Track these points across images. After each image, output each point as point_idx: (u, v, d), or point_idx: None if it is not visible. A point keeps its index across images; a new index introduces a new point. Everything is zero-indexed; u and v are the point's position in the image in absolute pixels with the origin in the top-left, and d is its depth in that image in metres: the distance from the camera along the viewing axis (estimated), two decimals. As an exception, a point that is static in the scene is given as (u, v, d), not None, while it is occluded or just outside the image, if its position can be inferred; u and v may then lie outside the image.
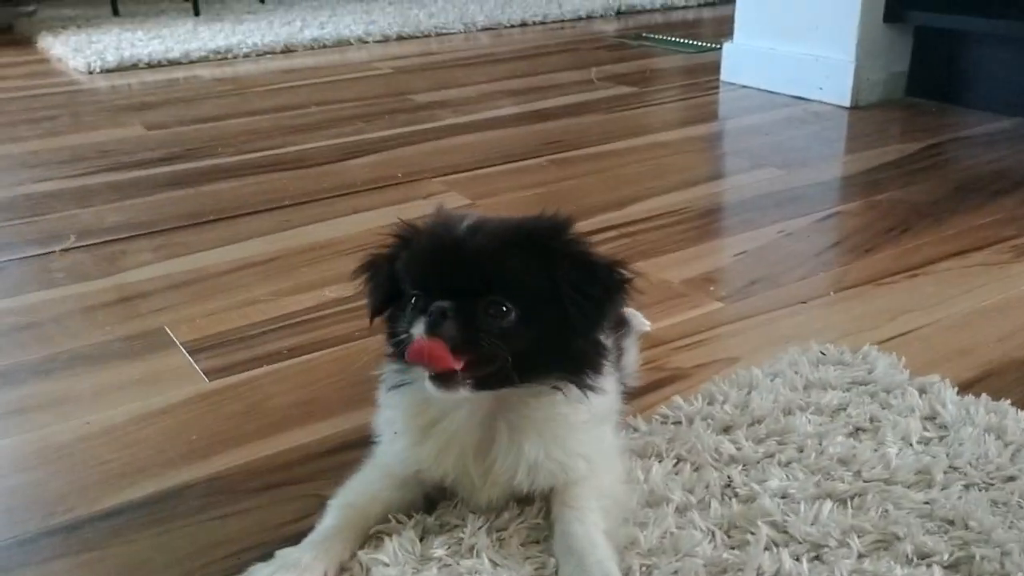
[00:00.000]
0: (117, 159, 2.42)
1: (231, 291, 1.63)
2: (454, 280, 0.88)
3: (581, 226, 1.80)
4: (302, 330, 1.48)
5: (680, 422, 1.14)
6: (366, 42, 4.11)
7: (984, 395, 1.17)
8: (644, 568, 0.89)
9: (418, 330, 0.86)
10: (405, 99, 3.02)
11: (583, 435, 0.95)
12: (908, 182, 2.12)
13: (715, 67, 3.20)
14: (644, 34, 4.12)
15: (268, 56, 3.85)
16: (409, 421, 0.94)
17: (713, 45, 3.62)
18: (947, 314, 1.47)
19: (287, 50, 3.95)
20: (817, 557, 0.91)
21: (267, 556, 0.93)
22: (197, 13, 4.78)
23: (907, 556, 0.90)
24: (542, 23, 4.54)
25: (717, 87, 3.10)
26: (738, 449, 1.07)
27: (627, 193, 2.07)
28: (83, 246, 1.84)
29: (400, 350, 0.90)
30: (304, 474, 1.11)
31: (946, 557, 0.90)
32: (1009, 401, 1.16)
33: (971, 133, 2.53)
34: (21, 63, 3.91)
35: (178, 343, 1.44)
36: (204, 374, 1.35)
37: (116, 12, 4.85)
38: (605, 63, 3.52)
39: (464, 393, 0.88)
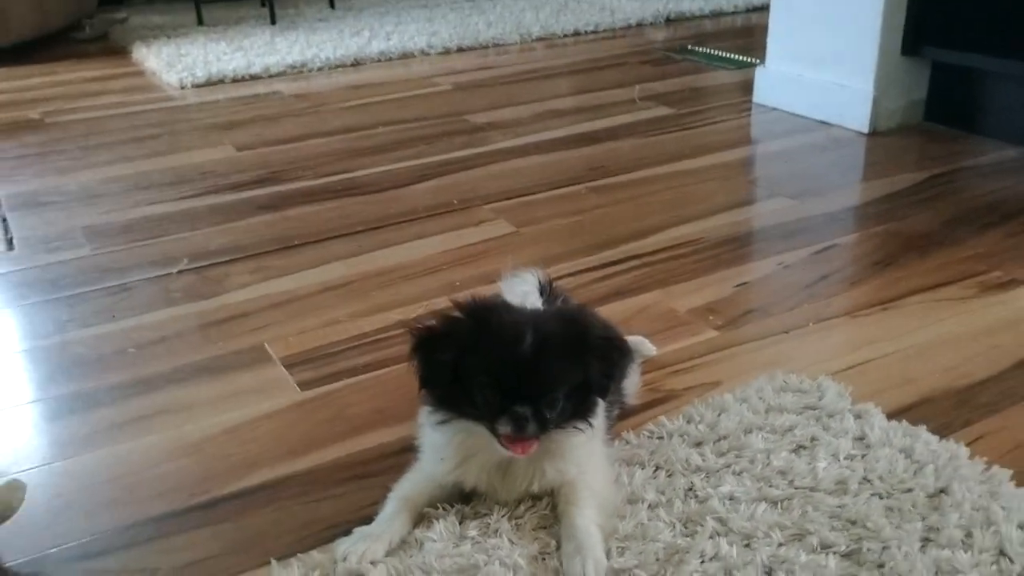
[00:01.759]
0: (214, 182, 2.81)
1: (316, 312, 2.00)
2: (525, 386, 1.19)
3: (608, 255, 2.15)
4: (373, 348, 1.84)
5: (662, 437, 1.47)
6: (428, 54, 4.45)
7: (904, 421, 1.47)
8: (619, 549, 1.24)
9: (505, 429, 1.19)
10: (462, 120, 3.36)
11: (579, 450, 1.30)
12: (907, 213, 2.39)
13: (751, 86, 3.46)
14: (689, 46, 4.38)
15: (339, 70, 4.23)
16: (455, 451, 1.29)
17: (753, 61, 3.86)
18: (905, 345, 1.76)
19: (356, 63, 4.32)
20: (747, 545, 1.24)
21: (349, 532, 1.30)
22: (273, 22, 5.18)
23: (813, 547, 1.22)
24: (594, 32, 4.83)
25: (750, 109, 3.37)
26: (703, 460, 1.40)
27: (652, 222, 2.38)
28: (194, 268, 2.23)
29: (457, 411, 1.25)
30: (378, 469, 1.47)
31: (843, 548, 1.22)
32: (926, 427, 1.46)
33: (979, 162, 2.76)
34: (120, 75, 4.35)
35: (275, 358, 1.81)
36: (298, 385, 1.72)
37: (201, 21, 5.28)
38: (649, 80, 3.81)
39: (531, 453, 1.23)
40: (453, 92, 3.80)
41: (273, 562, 1.26)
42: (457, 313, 1.27)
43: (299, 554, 1.27)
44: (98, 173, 2.94)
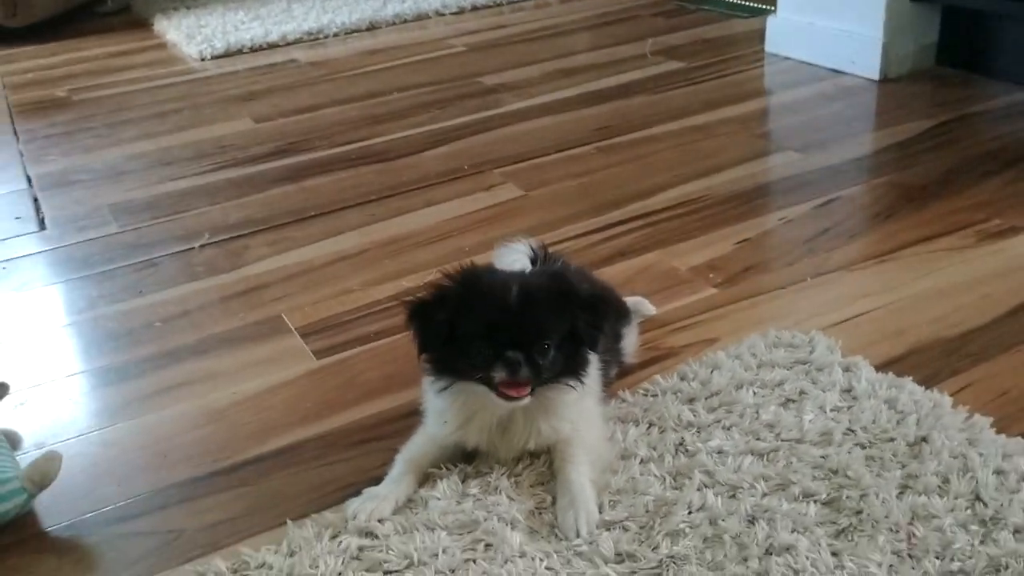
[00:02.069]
0: (233, 155, 2.89)
1: (330, 281, 2.08)
2: (515, 335, 1.26)
3: (613, 216, 2.21)
4: (384, 316, 1.92)
5: (656, 395, 1.54)
6: (443, 15, 4.47)
7: (891, 372, 1.53)
8: (611, 503, 1.32)
9: (500, 374, 1.26)
10: (475, 82, 3.40)
11: (573, 407, 1.37)
12: (910, 164, 2.41)
13: (763, 36, 3.44)
14: (703, -5, 4.35)
15: (355, 35, 4.26)
16: (456, 414, 1.37)
17: (766, 8, 3.83)
18: (897, 298, 1.81)
19: (372, 27, 4.35)
20: (732, 496, 1.31)
21: (359, 492, 1.39)
22: (291, -13, 5.20)
23: (795, 495, 1.29)
24: (609, -17, 4.78)
25: (762, 59, 3.37)
26: (695, 416, 1.47)
27: (658, 181, 2.43)
28: (215, 242, 2.32)
29: (455, 374, 1.33)
30: (388, 432, 1.56)
31: (823, 496, 1.29)
32: (912, 378, 1.51)
33: (988, 107, 2.76)
34: (143, 49, 4.42)
35: (292, 328, 1.90)
36: (313, 354, 1.81)
37: (219, -11, 5.31)
38: (661, 32, 3.81)
39: (525, 403, 1.30)
40: (467, 54, 3.83)
41: (289, 522, 1.35)
42: (446, 280, 1.35)
43: (313, 514, 1.37)
44: (123, 150, 3.03)
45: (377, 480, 1.40)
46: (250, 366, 1.79)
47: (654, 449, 1.41)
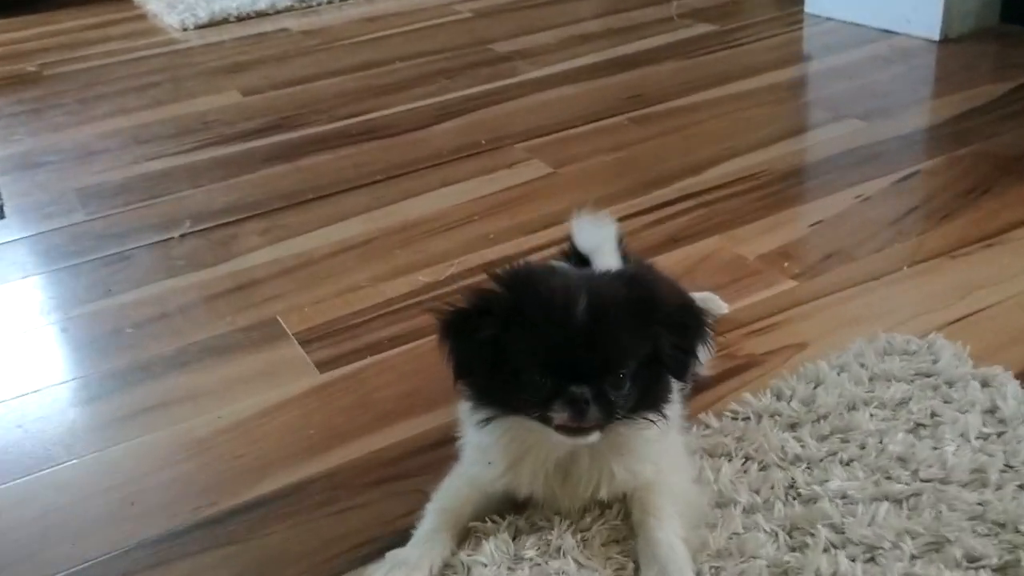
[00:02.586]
0: (219, 131, 2.56)
1: (334, 276, 1.76)
2: (582, 363, 0.97)
3: (660, 195, 1.90)
4: (400, 318, 1.61)
5: (749, 418, 1.23)
6: (446, -21, 4.12)
7: (1041, 388, 1.22)
8: (713, 570, 1.01)
9: (561, 415, 0.98)
10: (486, 49, 3.07)
11: (653, 445, 1.07)
12: (994, 131, 2.10)
13: (800, -5, 3.13)
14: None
15: (350, 2, 3.92)
16: (504, 452, 1.06)
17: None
18: (1020, 290, 1.50)
19: (369, -8, 4.00)
20: (871, 559, 1.01)
21: (382, 550, 1.08)
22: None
23: (956, 560, 0.99)
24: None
25: (801, 21, 3.05)
26: (802, 447, 1.16)
27: (705, 155, 2.11)
28: (198, 231, 2.00)
29: (503, 406, 1.04)
30: (412, 468, 1.26)
31: (995, 561, 0.98)
32: (1069, 393, 1.21)
33: (1068, 66, 2.45)
34: (121, 20, 4.07)
35: (290, 334, 1.59)
36: (316, 366, 1.50)
37: (202, -44, 4.95)
38: (686, -7, 3.47)
39: (592, 440, 1.01)
40: (474, 19, 3.49)
41: (288, 600, 1.05)
42: (492, 285, 1.04)
43: (322, 586, 1.07)
44: (95, 128, 2.70)
45: (402, 535, 1.10)
46: (240, 383, 1.48)
47: (757, 493, 1.11)
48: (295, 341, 1.57)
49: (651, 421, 1.04)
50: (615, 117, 2.39)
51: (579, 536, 1.07)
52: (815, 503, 1.08)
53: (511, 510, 1.11)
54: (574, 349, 0.97)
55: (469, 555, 1.05)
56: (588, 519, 1.08)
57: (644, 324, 1.00)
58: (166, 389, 1.49)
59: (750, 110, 2.37)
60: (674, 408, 1.10)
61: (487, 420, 1.05)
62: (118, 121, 2.74)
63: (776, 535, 1.05)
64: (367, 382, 1.45)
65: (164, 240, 1.97)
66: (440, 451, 1.26)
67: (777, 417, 1.22)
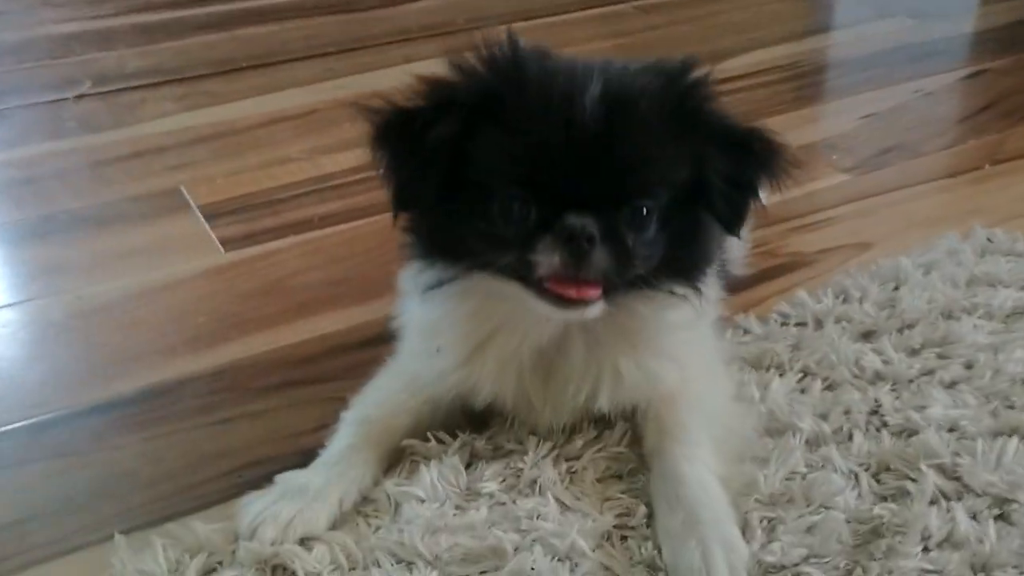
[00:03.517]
0: None
1: (260, 148, 1.40)
2: (588, 187, 0.63)
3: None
4: (339, 195, 1.25)
5: (805, 323, 0.89)
6: None
7: None
8: (766, 523, 0.66)
9: (549, 259, 0.62)
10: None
11: (682, 338, 0.72)
12: (1072, 34, 1.76)
13: None
14: None
15: None
16: (460, 336, 0.71)
17: None
18: None
19: None
20: (1002, 516, 0.67)
21: (277, 473, 0.73)
22: None
23: None
24: None
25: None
26: (885, 363, 0.82)
27: (726, 44, 1.75)
28: (100, 93, 1.61)
29: (461, 257, 0.67)
30: (328, 371, 0.91)
31: None
32: None
33: None
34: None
35: (194, 206, 1.22)
36: (220, 243, 1.14)
37: None
38: None
39: (593, 313, 0.65)
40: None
41: (118, 537, 0.69)
42: (461, 70, 0.68)
43: (169, 522, 0.70)
44: (3, -10, 2.28)
45: (305, 456, 0.76)
46: (114, 258, 1.12)
47: (824, 419, 0.76)
48: (199, 214, 1.21)
49: (681, 296, 0.68)
50: (618, 4, 2.02)
51: (564, 466, 0.72)
52: (912, 435, 0.74)
53: (465, 425, 0.76)
54: (575, 158, 0.62)
55: (399, 485, 0.70)
56: (579, 443, 0.73)
57: (684, 134, 0.65)
58: (15, 260, 1.12)
59: (775, 3, 2.01)
60: (712, 286, 0.75)
61: (438, 284, 0.69)
62: (31, -15, 2.32)
63: (856, 477, 0.70)
64: (283, 265, 1.10)
65: (55, 100, 1.59)
66: (368, 351, 0.92)
67: (845, 323, 0.88)
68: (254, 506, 0.68)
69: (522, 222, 0.64)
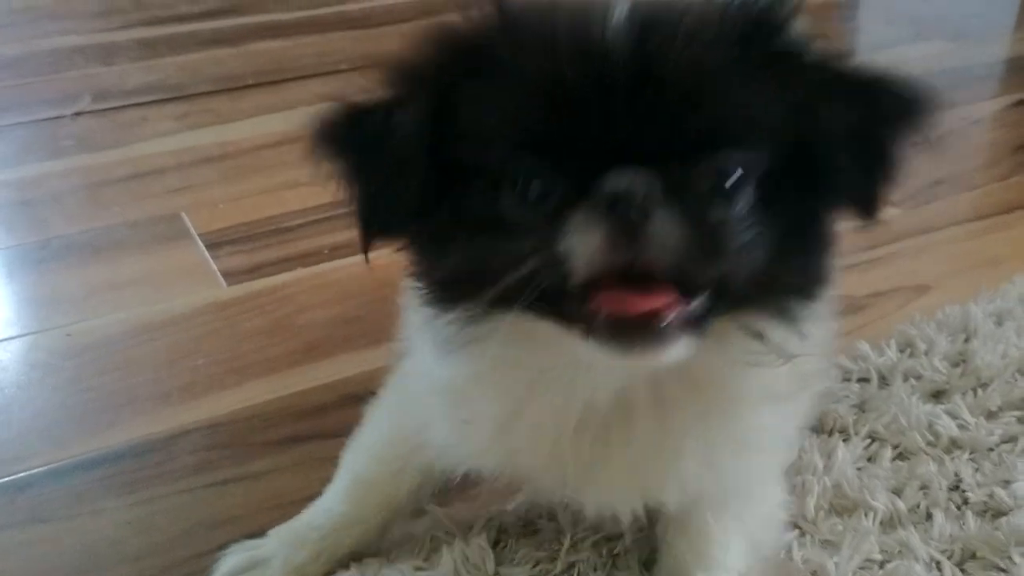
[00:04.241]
0: (154, 13, 2.08)
1: (267, 170, 1.31)
2: (638, 130, 0.43)
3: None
4: (352, 223, 1.16)
5: (869, 379, 0.80)
6: None
7: None
8: (841, 623, 0.57)
9: (588, 245, 0.42)
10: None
11: (768, 412, 0.54)
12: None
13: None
14: None
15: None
16: (492, 402, 0.54)
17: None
18: None
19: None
20: (1118, 622, 0.58)
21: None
22: None
23: None
24: None
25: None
26: (961, 427, 0.73)
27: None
28: (98, 110, 1.54)
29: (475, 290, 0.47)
30: (341, 424, 0.80)
31: None
32: None
33: None
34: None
35: (195, 234, 1.14)
36: (222, 276, 1.05)
37: None
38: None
39: (677, 352, 0.45)
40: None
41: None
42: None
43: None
44: (4, 2, 2.22)
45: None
46: (108, 290, 1.04)
47: (899, 495, 0.67)
48: (200, 243, 1.12)
49: (782, 339, 0.48)
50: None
51: (605, 547, 0.63)
52: (1000, 516, 0.65)
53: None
54: (610, 97, 0.43)
55: (419, 570, 0.61)
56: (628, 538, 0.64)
57: (783, 71, 0.46)
58: (5, 293, 1.04)
59: (816, 23, 1.93)
60: (825, 330, 0.56)
61: (458, 339, 0.50)
62: (36, -3, 2.26)
63: (939, 567, 0.62)
64: (290, 301, 1.01)
65: (54, 117, 1.51)
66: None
67: (914, 380, 0.79)
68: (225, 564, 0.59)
69: (543, 203, 0.44)
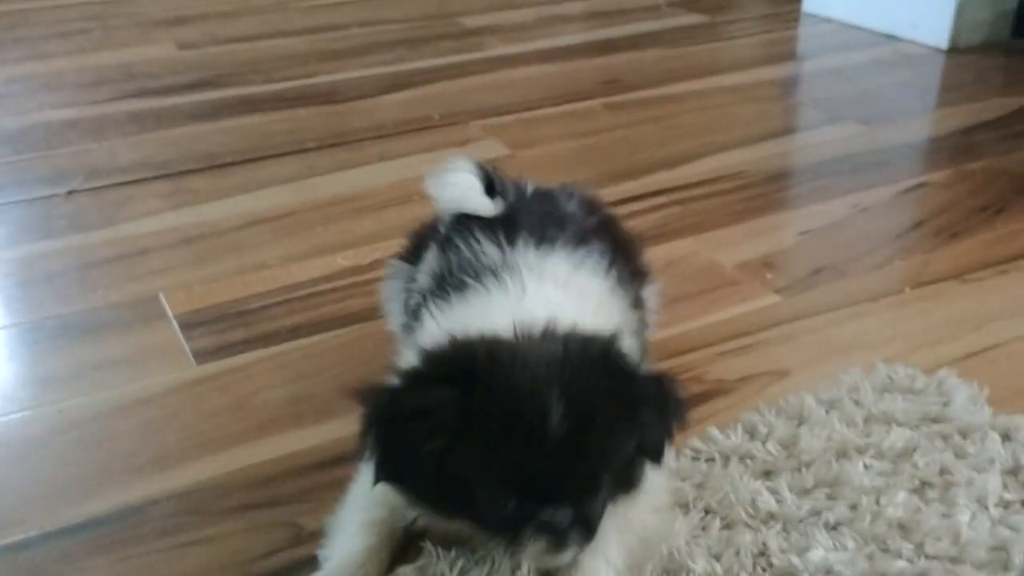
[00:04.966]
0: (142, 84, 2.28)
1: (237, 251, 1.49)
2: (557, 486, 0.75)
3: (629, 188, 1.66)
4: (307, 305, 1.34)
5: (713, 459, 0.98)
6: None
7: (1079, 448, 0.98)
8: (650, 661, 0.75)
9: (532, 547, 0.76)
10: (454, 22, 2.80)
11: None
12: (1009, 148, 1.86)
13: (798, -8, 2.89)
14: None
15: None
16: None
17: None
18: (1042, 324, 1.26)
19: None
20: (863, 664, 0.76)
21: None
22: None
23: (974, 675, 0.74)
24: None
25: (797, 19, 2.81)
26: (779, 503, 0.91)
27: (683, 148, 1.86)
28: (91, 189, 1.72)
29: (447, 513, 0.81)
30: (286, 494, 0.99)
31: None
32: (1113, 457, 0.97)
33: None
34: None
35: (170, 315, 1.32)
36: (192, 356, 1.23)
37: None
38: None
39: (567, 560, 0.79)
40: (447, -9, 3.22)
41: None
42: (436, 371, 0.79)
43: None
44: (4, 72, 2.40)
45: None
46: (94, 370, 1.21)
47: (718, 560, 0.85)
48: (175, 324, 1.30)
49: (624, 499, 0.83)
50: (587, 101, 2.14)
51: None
52: (792, 580, 0.83)
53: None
54: (549, 467, 0.74)
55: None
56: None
57: (627, 418, 0.78)
58: (4, 372, 1.21)
59: (735, 105, 2.12)
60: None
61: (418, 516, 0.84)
62: (32, 66, 2.44)
63: (739, 621, 0.79)
64: (251, 380, 1.18)
65: (48, 196, 1.69)
66: (326, 474, 1.01)
67: (748, 461, 0.97)
68: None
69: (505, 514, 0.75)
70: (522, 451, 0.73)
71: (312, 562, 0.88)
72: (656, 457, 0.82)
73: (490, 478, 0.75)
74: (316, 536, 0.91)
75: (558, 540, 0.74)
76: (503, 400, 0.74)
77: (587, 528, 0.76)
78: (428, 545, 0.86)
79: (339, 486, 0.93)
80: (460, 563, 0.84)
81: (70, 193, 1.69)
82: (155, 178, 1.76)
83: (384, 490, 0.85)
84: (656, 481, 0.88)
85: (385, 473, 0.78)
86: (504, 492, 0.74)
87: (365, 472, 0.85)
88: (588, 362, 0.78)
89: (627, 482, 0.81)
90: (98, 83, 2.29)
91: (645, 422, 0.78)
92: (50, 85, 2.29)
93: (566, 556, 0.77)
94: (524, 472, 0.74)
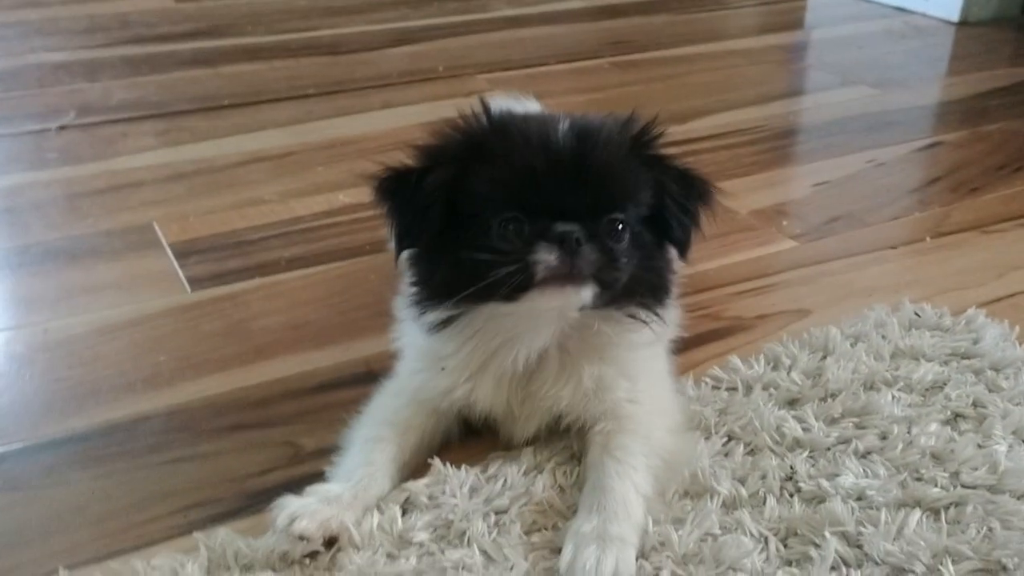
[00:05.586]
0: (137, 32, 2.22)
1: (235, 187, 1.44)
2: (573, 199, 0.74)
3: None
4: (307, 239, 1.29)
5: (736, 388, 0.93)
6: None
7: (1118, 384, 0.94)
8: (676, 563, 0.71)
9: (547, 257, 0.72)
10: (459, -16, 2.74)
11: (639, 356, 0.84)
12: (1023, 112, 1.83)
13: (806, -32, 2.85)
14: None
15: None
16: (467, 357, 0.81)
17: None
18: (1067, 274, 1.22)
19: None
20: (898, 585, 0.71)
21: (220, 516, 0.78)
22: None
23: (1018, 597, 0.69)
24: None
25: (808, -9, 2.77)
26: (805, 430, 0.87)
27: (694, 104, 1.82)
28: (81, 124, 1.66)
29: (463, 291, 0.76)
30: (281, 415, 0.94)
31: (1069, 602, 0.69)
32: None
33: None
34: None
35: (164, 243, 1.26)
36: (187, 282, 1.17)
37: None
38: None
39: (586, 297, 0.75)
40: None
41: (62, 573, 0.72)
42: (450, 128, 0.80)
43: (112, 560, 0.74)
44: (-4, 17, 2.34)
45: (257, 496, 0.82)
46: (82, 292, 1.15)
47: (743, 483, 0.80)
48: (169, 252, 1.25)
49: (649, 313, 0.81)
50: (594, 60, 2.09)
51: (492, 519, 0.76)
52: (821, 503, 0.78)
53: (411, 474, 0.81)
54: (556, 180, 0.74)
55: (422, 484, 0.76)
56: (506, 497, 0.77)
57: (644, 166, 0.79)
58: (-10, 292, 1.16)
59: (745, 68, 2.08)
60: (671, 313, 0.86)
61: (444, 322, 0.79)
62: (25, 13, 2.37)
63: (766, 541, 0.75)
64: (247, 307, 1.13)
65: (39, 131, 1.63)
66: (324, 397, 0.96)
67: (772, 390, 0.92)
68: (292, 505, 0.73)
69: (518, 237, 0.73)
70: (531, 163, 0.73)
71: (311, 479, 0.82)
72: (681, 239, 0.82)
73: (500, 199, 0.74)
74: (317, 455, 0.87)
75: (570, 248, 0.72)
76: (511, 126, 0.77)
77: (603, 252, 0.74)
78: (437, 463, 0.81)
79: (342, 407, 0.89)
80: (470, 480, 0.79)
81: (61, 128, 1.64)
82: (149, 117, 1.71)
83: (394, 406, 0.84)
84: (668, 401, 0.87)
85: (401, 230, 0.78)
86: (515, 209, 0.73)
87: (379, 387, 0.87)
88: (606, 118, 0.80)
89: (653, 275, 0.80)
90: (91, 30, 2.23)
91: (667, 182, 0.79)
92: (43, 30, 2.23)
93: (584, 292, 0.74)
94: (534, 185, 0.73)
